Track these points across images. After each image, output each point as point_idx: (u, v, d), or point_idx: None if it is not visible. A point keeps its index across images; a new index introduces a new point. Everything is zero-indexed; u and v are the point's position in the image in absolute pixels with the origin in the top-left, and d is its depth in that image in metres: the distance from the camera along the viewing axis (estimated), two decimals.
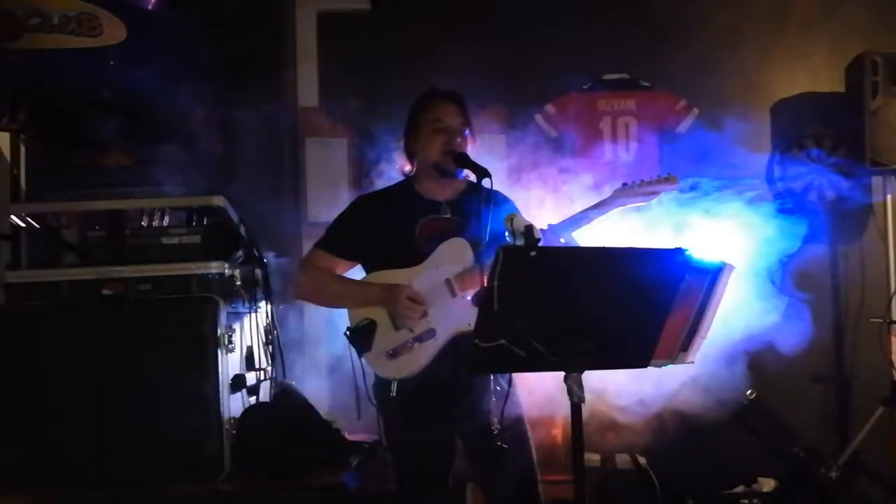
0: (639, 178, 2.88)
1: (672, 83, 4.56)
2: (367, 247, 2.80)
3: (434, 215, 2.78)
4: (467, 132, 2.80)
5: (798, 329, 3.62)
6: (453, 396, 2.63)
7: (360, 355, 2.70)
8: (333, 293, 2.82)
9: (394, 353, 2.66)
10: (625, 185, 2.85)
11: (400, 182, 2.93)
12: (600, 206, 2.84)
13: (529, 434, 2.76)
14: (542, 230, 2.45)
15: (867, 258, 4.40)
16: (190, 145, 3.70)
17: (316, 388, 3.75)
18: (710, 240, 3.18)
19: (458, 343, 2.62)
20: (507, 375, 2.59)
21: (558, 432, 3.87)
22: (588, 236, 2.83)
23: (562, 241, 2.71)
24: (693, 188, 3.24)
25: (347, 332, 2.72)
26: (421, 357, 2.65)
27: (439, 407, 2.63)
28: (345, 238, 2.82)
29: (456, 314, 2.64)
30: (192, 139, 3.75)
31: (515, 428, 2.67)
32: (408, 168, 2.89)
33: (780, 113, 4.53)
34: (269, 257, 3.45)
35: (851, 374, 4.40)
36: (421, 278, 2.69)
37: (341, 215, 2.87)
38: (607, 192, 2.91)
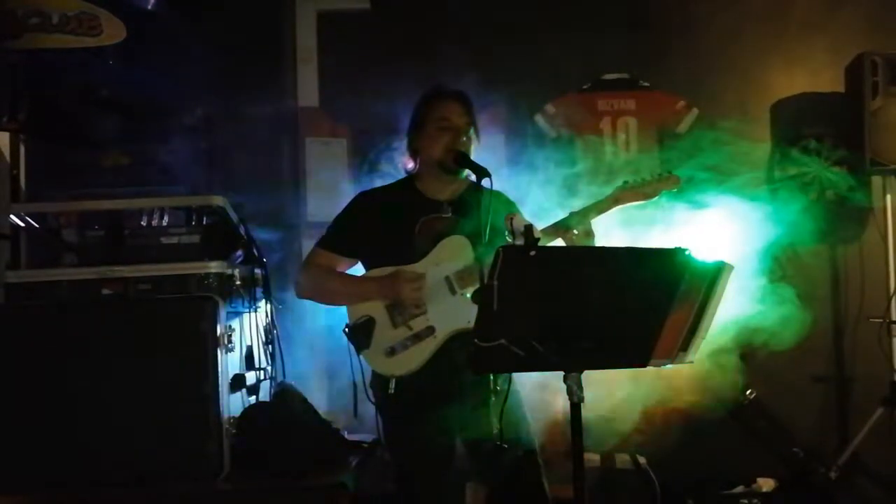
0: (640, 177, 2.87)
1: (672, 83, 4.55)
2: (367, 243, 2.79)
3: (435, 214, 2.77)
4: (472, 132, 2.80)
5: (797, 327, 3.61)
6: (452, 395, 2.62)
7: (358, 353, 2.71)
8: (333, 290, 2.82)
9: (392, 351, 2.66)
10: (626, 183, 2.84)
11: (401, 179, 2.93)
12: (600, 205, 2.83)
13: (532, 433, 2.74)
14: None
15: (867, 258, 4.39)
16: (189, 145, 3.70)
17: (315, 388, 3.75)
18: (708, 238, 3.18)
19: (457, 341, 2.62)
20: (506, 375, 2.58)
21: None
22: None
23: (575, 232, 2.69)
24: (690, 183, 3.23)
25: (346, 329, 2.73)
26: (419, 355, 2.65)
27: (438, 405, 2.62)
28: (345, 235, 2.82)
29: (455, 312, 2.64)
30: (191, 139, 3.75)
31: (518, 428, 2.66)
32: (410, 165, 2.89)
33: (779, 113, 4.52)
34: (273, 240, 3.43)
35: (851, 374, 4.39)
36: None
37: (341, 212, 2.88)
38: (607, 192, 2.89)
